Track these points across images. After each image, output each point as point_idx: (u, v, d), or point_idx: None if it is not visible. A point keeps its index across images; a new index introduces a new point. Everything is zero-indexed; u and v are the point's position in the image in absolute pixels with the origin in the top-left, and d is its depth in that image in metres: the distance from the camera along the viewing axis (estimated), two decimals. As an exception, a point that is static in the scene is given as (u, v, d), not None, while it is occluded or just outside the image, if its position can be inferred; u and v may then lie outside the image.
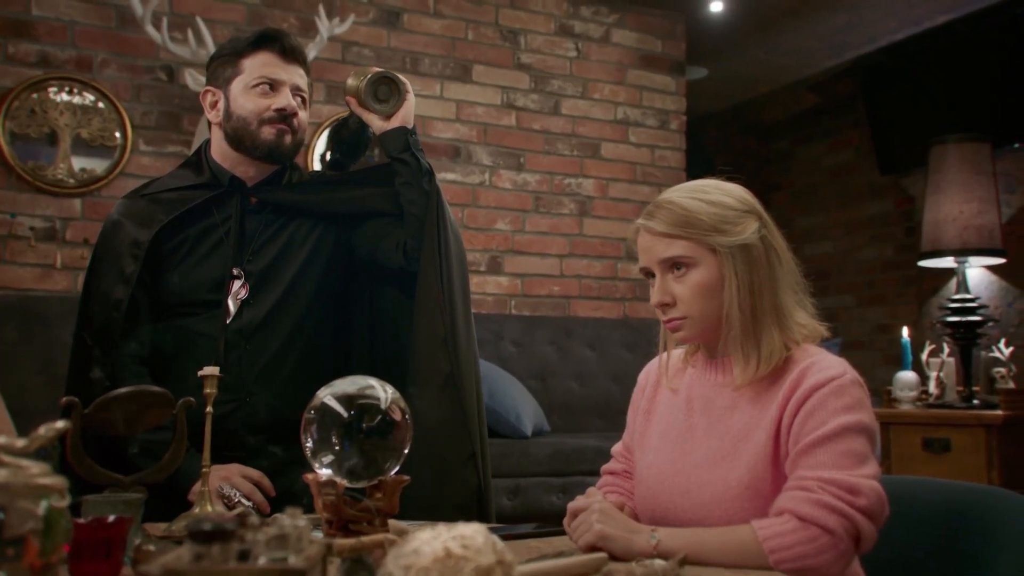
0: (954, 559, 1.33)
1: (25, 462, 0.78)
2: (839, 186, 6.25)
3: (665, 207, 1.31)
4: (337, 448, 1.06)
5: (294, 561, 0.71)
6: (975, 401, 3.47)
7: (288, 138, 1.86)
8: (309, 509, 1.42)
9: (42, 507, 0.76)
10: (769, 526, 1.15)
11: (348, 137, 2.04)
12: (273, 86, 1.85)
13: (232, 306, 1.83)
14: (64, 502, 0.78)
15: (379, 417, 1.07)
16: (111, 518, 0.98)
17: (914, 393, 3.59)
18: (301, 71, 1.89)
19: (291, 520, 0.74)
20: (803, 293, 1.35)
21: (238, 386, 1.79)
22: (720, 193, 1.33)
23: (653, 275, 1.34)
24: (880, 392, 3.71)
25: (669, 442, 1.36)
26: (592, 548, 1.18)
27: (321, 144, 4.18)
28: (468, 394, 1.80)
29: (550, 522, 1.47)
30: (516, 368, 4.20)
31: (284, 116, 1.84)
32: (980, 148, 3.72)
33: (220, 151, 1.90)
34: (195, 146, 3.27)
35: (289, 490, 1.72)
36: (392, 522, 1.09)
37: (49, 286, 3.65)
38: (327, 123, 4.20)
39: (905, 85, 5.56)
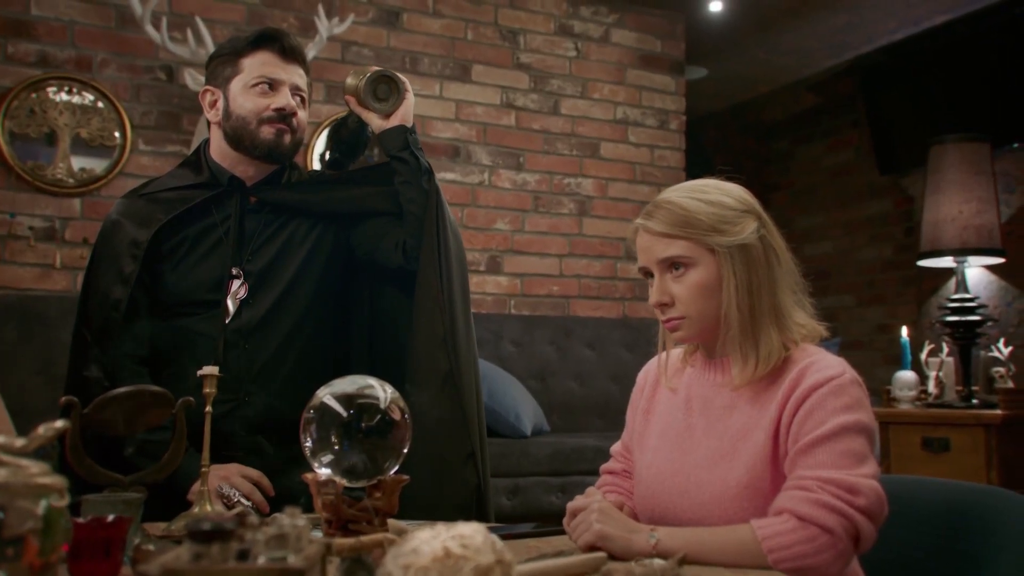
0: (953, 559, 1.33)
1: (24, 462, 0.78)
2: (839, 186, 6.25)
3: (664, 207, 1.31)
4: (336, 448, 1.06)
5: (293, 561, 0.71)
6: (974, 401, 3.47)
7: (287, 137, 1.86)
8: (308, 509, 1.42)
9: (41, 507, 0.76)
10: (768, 526, 1.15)
11: (347, 136, 2.04)
12: (272, 86, 1.85)
13: (231, 306, 1.83)
14: (63, 502, 0.78)
15: (378, 417, 1.07)
16: (110, 518, 0.97)
17: (913, 393, 3.59)
18: (300, 71, 1.89)
19: (290, 520, 0.74)
20: (802, 293, 1.35)
21: (237, 386, 1.79)
22: (719, 193, 1.33)
23: (652, 275, 1.34)
24: (879, 392, 3.71)
25: (668, 442, 1.36)
26: (591, 548, 1.18)
27: (320, 143, 4.17)
28: (467, 394, 1.80)
29: (549, 522, 1.47)
30: (516, 368, 4.20)
31: (283, 116, 1.84)
32: (979, 148, 3.72)
33: (219, 151, 1.90)
34: (194, 146, 3.27)
35: (288, 489, 1.72)
36: (391, 521, 1.09)
37: (48, 286, 3.65)
38: (326, 123, 4.20)
39: (905, 85, 5.56)
